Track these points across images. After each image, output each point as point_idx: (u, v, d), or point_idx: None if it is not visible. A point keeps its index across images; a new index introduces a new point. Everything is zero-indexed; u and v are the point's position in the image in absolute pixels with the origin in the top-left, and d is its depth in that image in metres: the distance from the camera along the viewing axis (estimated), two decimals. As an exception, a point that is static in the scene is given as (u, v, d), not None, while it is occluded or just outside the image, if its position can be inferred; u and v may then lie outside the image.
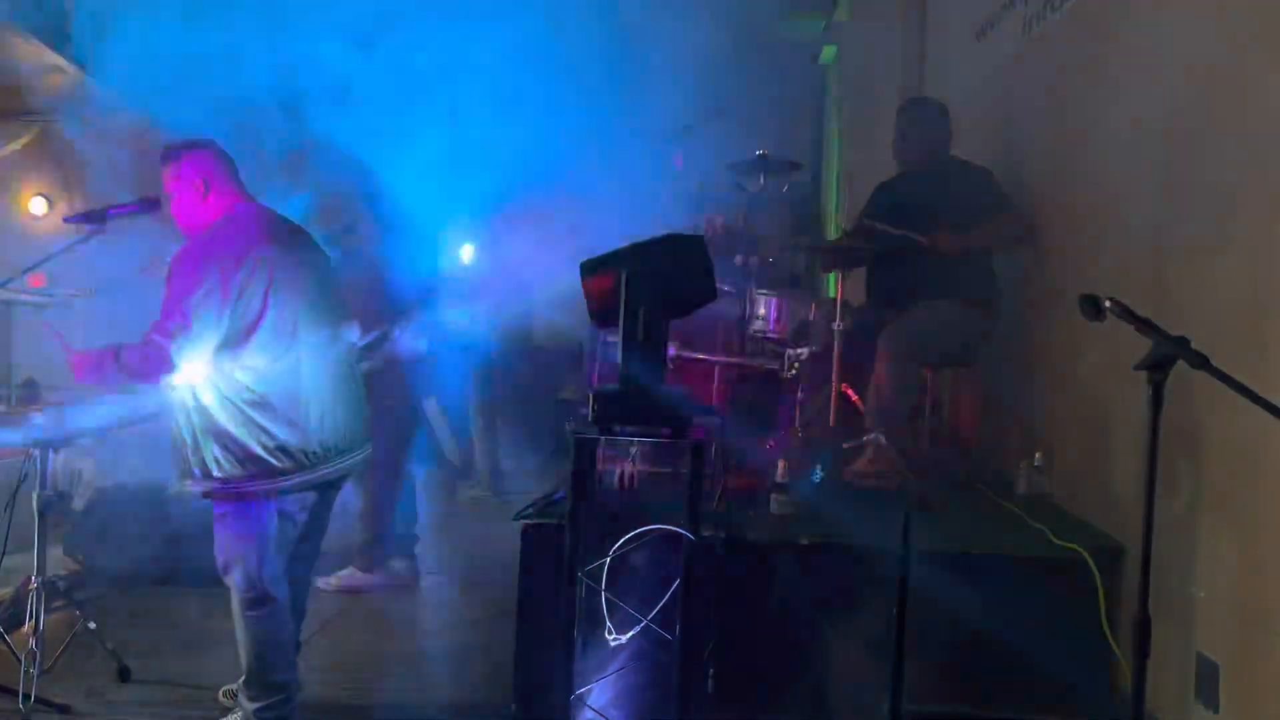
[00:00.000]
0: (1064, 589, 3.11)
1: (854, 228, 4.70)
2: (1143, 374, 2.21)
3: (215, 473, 2.95)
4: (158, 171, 3.15)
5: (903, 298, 4.26)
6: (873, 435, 4.00)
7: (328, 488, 3.19)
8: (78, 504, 4.95)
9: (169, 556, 4.39)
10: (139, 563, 4.36)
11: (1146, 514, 2.23)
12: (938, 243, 4.12)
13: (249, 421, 2.94)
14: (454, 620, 4.40)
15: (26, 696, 3.11)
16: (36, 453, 3.34)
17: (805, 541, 3.24)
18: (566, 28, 4.60)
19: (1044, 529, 3.34)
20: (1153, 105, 3.21)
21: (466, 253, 6.11)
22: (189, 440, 2.98)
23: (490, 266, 5.88)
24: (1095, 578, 3.06)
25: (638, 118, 5.14)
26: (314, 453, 3.02)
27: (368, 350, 4.10)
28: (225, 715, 3.22)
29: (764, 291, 4.44)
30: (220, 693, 3.34)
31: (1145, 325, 2.22)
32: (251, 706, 3.06)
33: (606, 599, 2.76)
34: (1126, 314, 2.24)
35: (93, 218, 3.25)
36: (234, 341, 2.93)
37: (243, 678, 3.09)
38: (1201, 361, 2.13)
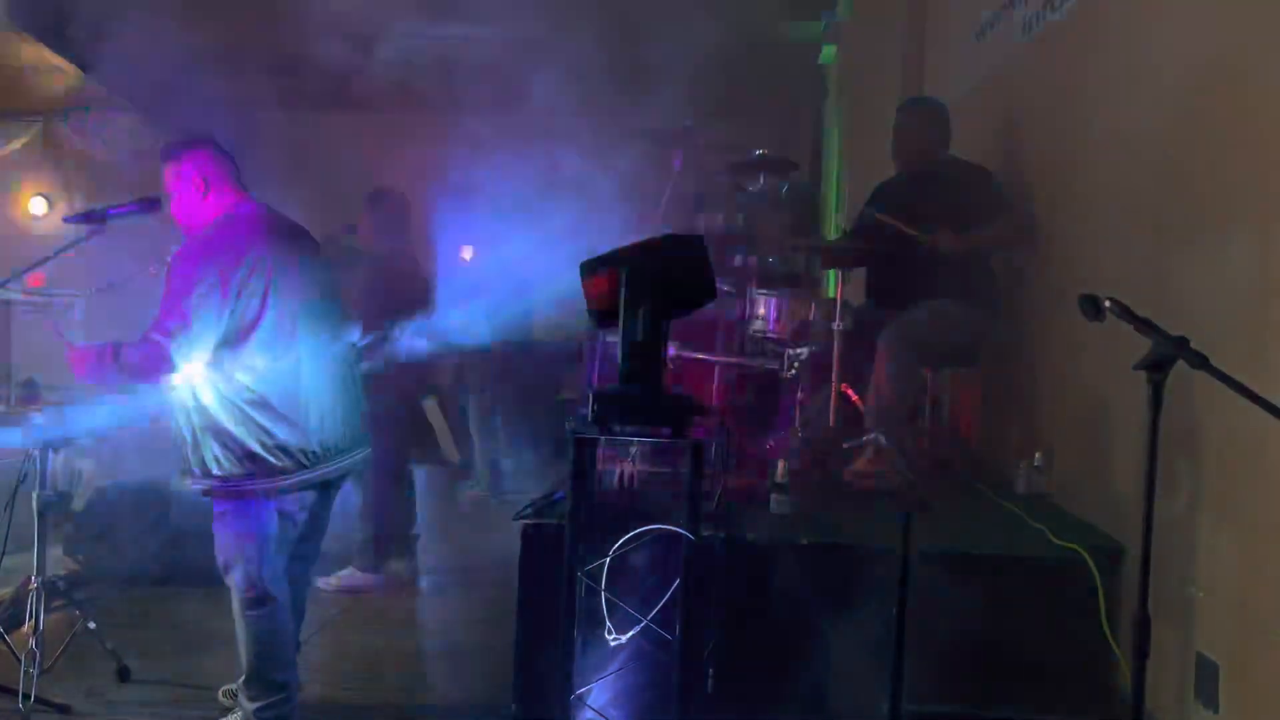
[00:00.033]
0: (1064, 589, 3.11)
1: (856, 224, 4.70)
2: (1142, 374, 2.21)
3: (214, 470, 2.95)
4: (158, 171, 3.15)
5: (903, 298, 4.26)
6: (873, 435, 4.00)
7: (327, 487, 3.19)
8: (78, 504, 4.95)
9: (169, 556, 4.39)
10: (139, 563, 4.36)
11: (1146, 514, 2.23)
12: (938, 242, 4.12)
13: (248, 420, 2.94)
14: (454, 620, 4.40)
15: (26, 696, 3.11)
16: (36, 453, 3.34)
17: (805, 541, 3.24)
18: (567, 27, 4.60)
19: (1044, 529, 3.33)
20: (1153, 105, 3.21)
21: (466, 253, 6.11)
22: (188, 438, 2.98)
23: (490, 266, 5.88)
24: (1095, 577, 3.06)
25: (638, 118, 5.13)
26: (313, 452, 3.02)
27: (368, 350, 4.10)
28: (225, 715, 3.22)
29: (764, 291, 4.44)
30: (220, 692, 3.34)
31: (1145, 325, 2.22)
32: (251, 706, 3.06)
33: (606, 599, 2.76)
34: (1126, 314, 2.24)
35: (93, 218, 3.25)
36: (233, 340, 2.93)
37: (243, 677, 3.09)
38: (1201, 361, 2.13)
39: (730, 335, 4.50)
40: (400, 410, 4.65)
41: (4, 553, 3.33)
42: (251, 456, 2.94)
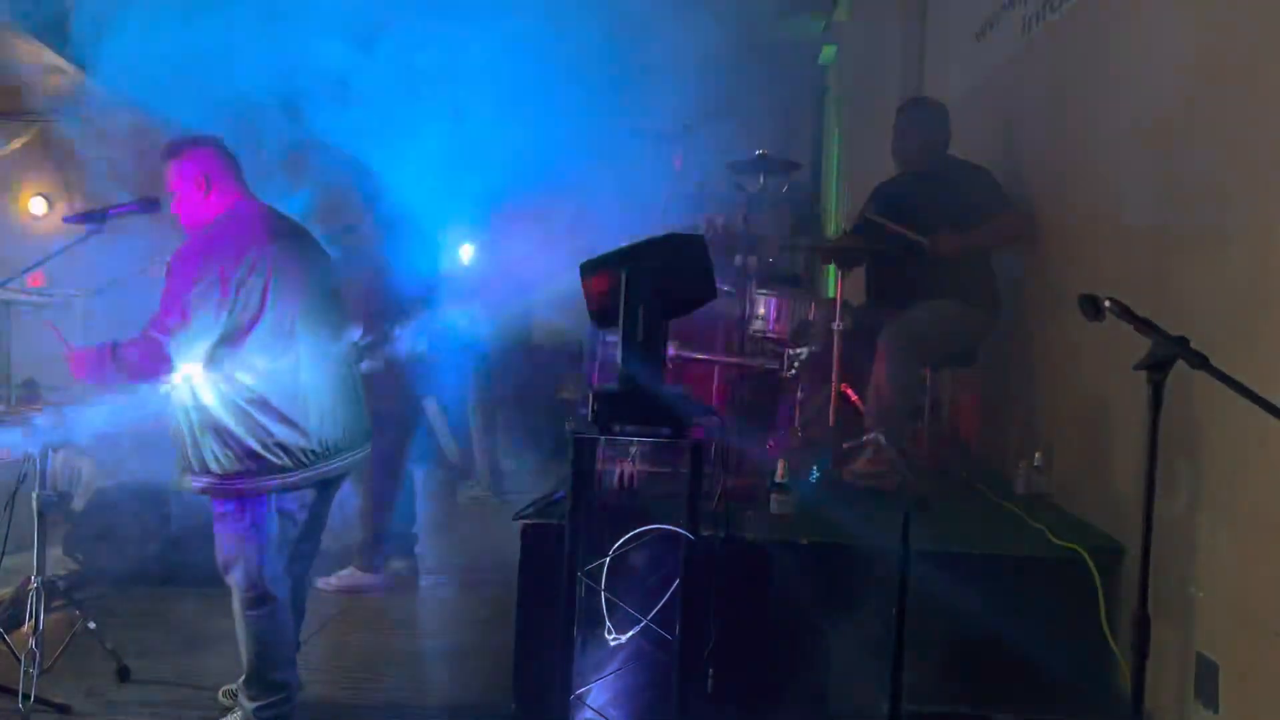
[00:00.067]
0: (1064, 589, 3.11)
1: (855, 226, 4.70)
2: (1142, 374, 2.21)
3: (213, 468, 2.95)
4: (158, 171, 3.15)
5: (903, 298, 4.26)
6: (873, 435, 4.00)
7: (327, 486, 3.20)
8: (78, 504, 4.95)
9: (169, 556, 4.39)
10: (139, 563, 4.36)
11: (1146, 514, 2.23)
12: (938, 245, 4.12)
13: (247, 418, 2.94)
14: (454, 620, 4.40)
15: (26, 696, 3.11)
16: (36, 453, 3.34)
17: (805, 541, 3.24)
18: (566, 27, 4.60)
19: (1043, 529, 3.34)
20: (1152, 104, 3.21)
21: (466, 253, 6.11)
22: (187, 436, 2.98)
23: (490, 266, 5.88)
24: (1095, 577, 3.06)
25: (638, 118, 5.13)
26: (313, 451, 3.02)
27: (368, 350, 4.11)
28: (225, 715, 3.22)
29: (764, 291, 4.44)
30: (220, 692, 3.34)
31: (1145, 325, 2.22)
32: (251, 706, 3.06)
33: (606, 599, 2.76)
34: (1126, 314, 2.25)
35: (92, 218, 3.25)
36: (233, 339, 2.93)
37: (243, 677, 3.09)
38: (1201, 361, 2.13)
39: (730, 335, 4.50)
40: (400, 410, 4.64)
41: (4, 553, 3.33)
42: (251, 455, 2.94)
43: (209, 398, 2.94)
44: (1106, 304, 2.27)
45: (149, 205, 3.25)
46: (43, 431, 3.23)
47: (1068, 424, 3.85)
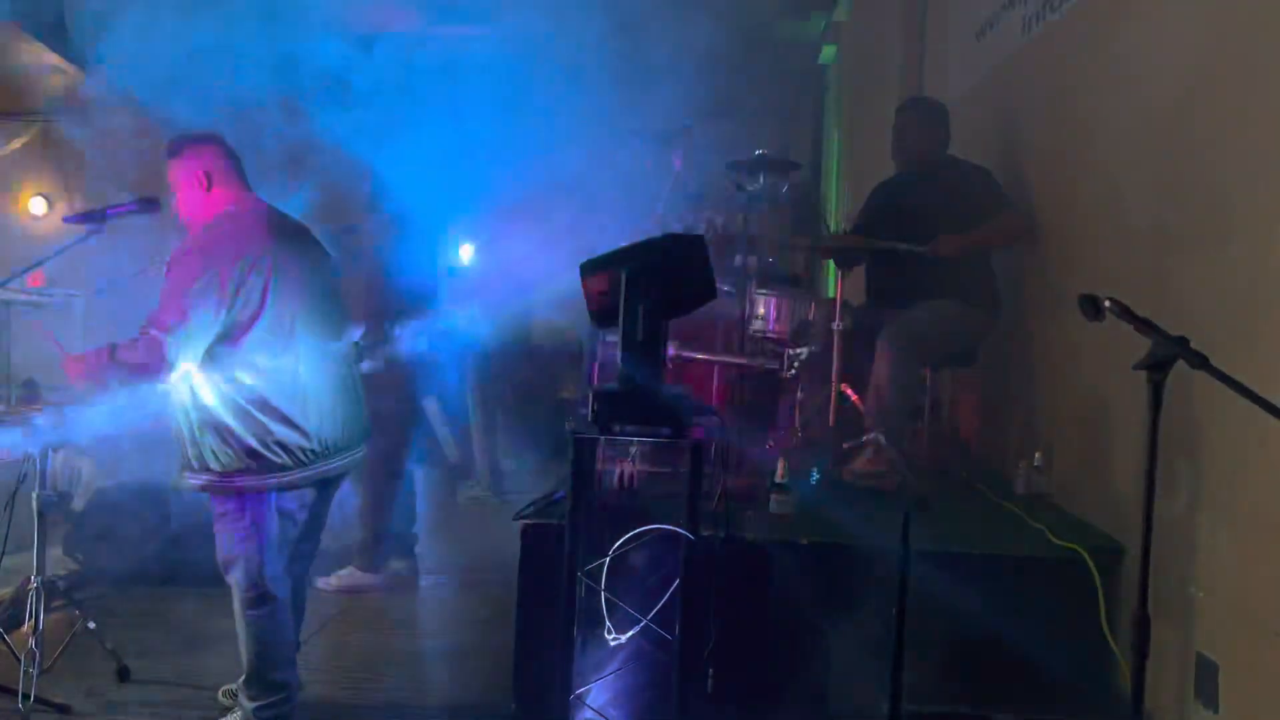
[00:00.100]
0: (1064, 589, 3.11)
1: (855, 225, 4.70)
2: (1142, 374, 2.21)
3: (212, 466, 2.95)
4: (158, 171, 3.15)
5: (903, 297, 4.26)
6: (873, 435, 4.00)
7: (326, 485, 3.20)
8: (78, 504, 4.95)
9: (169, 556, 4.39)
10: (139, 562, 4.36)
11: (1146, 514, 2.23)
12: (938, 249, 4.12)
13: (247, 416, 2.94)
14: (454, 620, 4.40)
15: (26, 696, 3.11)
16: (36, 453, 3.34)
17: (805, 541, 3.24)
18: (567, 27, 4.61)
19: (1043, 529, 3.34)
20: (1152, 104, 3.21)
21: (466, 253, 6.11)
22: (187, 434, 2.98)
23: (490, 266, 5.88)
24: (1095, 577, 3.06)
25: (638, 118, 5.13)
26: (312, 450, 3.02)
27: (368, 350, 4.10)
28: (225, 714, 3.22)
29: (764, 291, 4.44)
30: (220, 692, 3.34)
31: (1145, 325, 2.22)
32: (251, 705, 3.06)
33: (606, 599, 2.76)
34: (1126, 314, 2.25)
35: (92, 218, 3.25)
36: (232, 337, 2.93)
37: (243, 677, 3.09)
38: (1201, 361, 2.13)
39: (730, 335, 4.49)
40: (400, 410, 4.64)
41: (4, 552, 3.33)
42: (251, 453, 2.94)
43: (209, 396, 2.94)
44: (1106, 304, 2.27)
45: (148, 205, 3.25)
46: (43, 431, 3.22)
47: (1068, 424, 3.85)
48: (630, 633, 2.76)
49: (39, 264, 3.72)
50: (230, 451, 2.94)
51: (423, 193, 4.49)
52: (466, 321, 4.98)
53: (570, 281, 2.84)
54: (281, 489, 3.01)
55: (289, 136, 4.15)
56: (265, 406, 2.95)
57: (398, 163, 4.39)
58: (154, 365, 2.88)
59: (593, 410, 2.72)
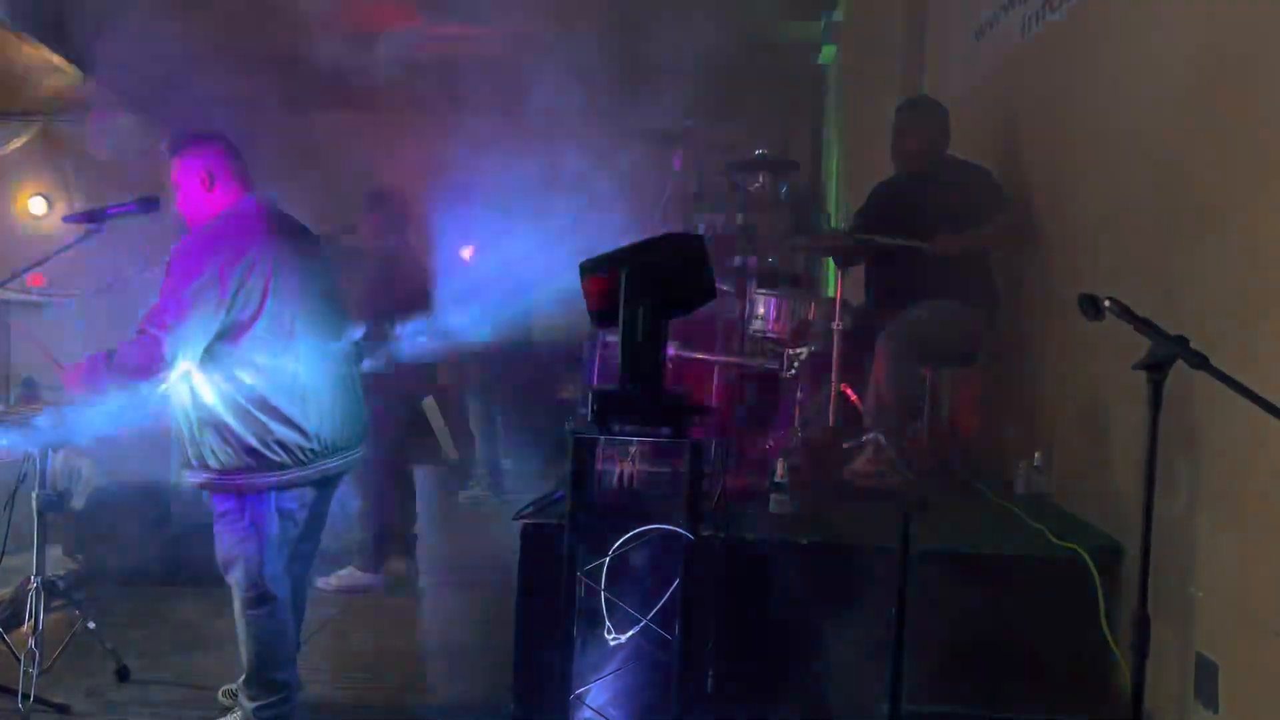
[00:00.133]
0: (1064, 589, 3.10)
1: (852, 227, 4.70)
2: (1142, 374, 2.21)
3: (212, 464, 2.95)
4: (158, 171, 3.15)
5: (902, 297, 4.26)
6: (872, 435, 4.00)
7: (326, 485, 3.20)
8: (77, 504, 4.95)
9: (169, 556, 4.39)
10: (139, 562, 4.36)
11: (1146, 514, 2.23)
12: (937, 247, 4.12)
13: (246, 415, 2.94)
14: (454, 620, 4.40)
15: (26, 696, 3.11)
16: (36, 453, 3.34)
17: (805, 541, 3.24)
18: (567, 27, 4.61)
19: (1043, 529, 3.33)
20: (1152, 105, 3.21)
21: (466, 253, 6.11)
22: (186, 433, 2.98)
23: (490, 266, 5.88)
24: (1094, 577, 3.06)
25: (638, 118, 5.14)
26: (312, 449, 3.02)
27: (368, 349, 4.10)
28: (225, 714, 3.22)
29: (764, 291, 4.44)
30: (220, 692, 3.34)
31: (1144, 325, 2.22)
32: (251, 705, 3.06)
33: (606, 599, 2.76)
34: (1126, 314, 2.25)
35: (92, 218, 3.25)
36: (232, 336, 2.93)
37: (243, 677, 3.09)
38: (1201, 361, 2.13)
39: (730, 335, 4.50)
40: (400, 410, 4.65)
41: (4, 552, 3.33)
42: (250, 451, 2.94)
43: (209, 395, 2.94)
44: (1106, 304, 2.27)
45: (148, 205, 3.25)
46: (43, 431, 3.23)
47: (1068, 424, 3.85)
48: (630, 633, 2.76)
49: (39, 264, 3.71)
50: (230, 450, 2.94)
51: (423, 193, 4.50)
52: (466, 321, 4.98)
53: (570, 281, 2.84)
54: (281, 488, 3.01)
55: (289, 136, 4.16)
56: (265, 405, 2.95)
57: (398, 163, 4.39)
58: (153, 365, 2.88)
59: (593, 410, 2.72)
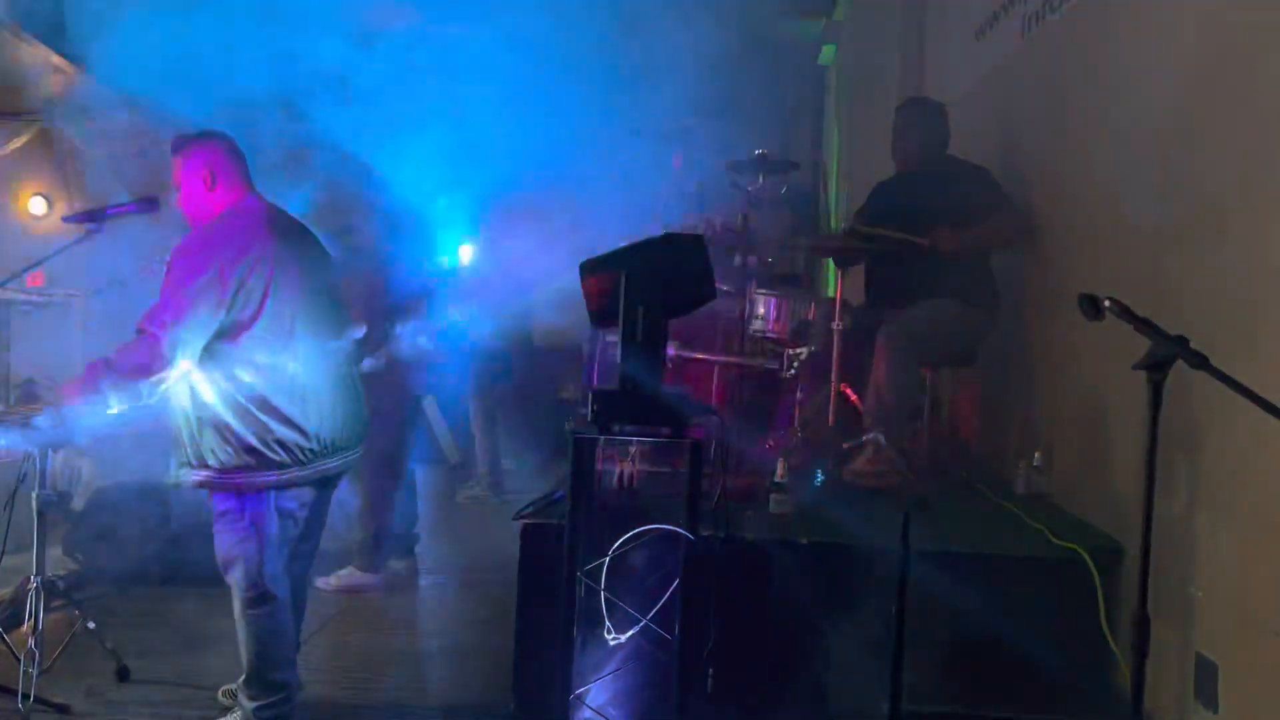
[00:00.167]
0: (1063, 589, 3.11)
1: (850, 227, 4.70)
2: (1142, 374, 2.21)
3: (211, 462, 2.95)
4: (157, 171, 3.15)
5: (902, 297, 4.26)
6: (872, 435, 4.00)
7: (325, 485, 3.20)
8: (77, 504, 4.95)
9: (169, 556, 4.39)
10: (139, 562, 4.36)
11: (1145, 514, 2.23)
12: (936, 241, 4.12)
13: (246, 414, 2.94)
14: (454, 620, 4.40)
15: (26, 696, 3.11)
16: (36, 453, 3.34)
17: (805, 541, 3.24)
18: (566, 26, 4.60)
19: (1043, 529, 3.34)
20: (1151, 104, 3.21)
21: (466, 252, 6.11)
22: (186, 431, 2.98)
23: (490, 265, 5.88)
24: (1094, 577, 3.06)
25: (638, 117, 5.14)
26: (311, 449, 3.02)
27: (369, 349, 4.10)
28: (225, 714, 3.22)
29: (764, 291, 4.44)
30: (220, 692, 3.34)
31: (1144, 325, 2.22)
32: (251, 705, 3.06)
33: (606, 599, 2.76)
34: (1125, 314, 2.25)
35: (92, 218, 3.25)
36: (232, 335, 2.93)
37: (243, 677, 3.09)
38: (1200, 361, 2.13)
39: (730, 335, 4.50)
40: (400, 410, 4.64)
41: (4, 552, 3.33)
42: (250, 450, 2.94)
43: (208, 394, 2.94)
44: (1106, 304, 2.27)
45: (147, 205, 3.25)
46: (43, 431, 3.22)
47: (1068, 424, 3.85)
48: (630, 633, 2.76)
49: (39, 264, 3.72)
50: (230, 449, 2.94)
51: (423, 192, 4.50)
52: (466, 321, 4.98)
53: (570, 281, 2.84)
54: (281, 488, 3.01)
55: (289, 135, 4.15)
56: (265, 405, 2.95)
57: (398, 161, 4.39)
58: (153, 364, 2.88)
59: (593, 410, 2.72)
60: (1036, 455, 3.91)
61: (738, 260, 4.57)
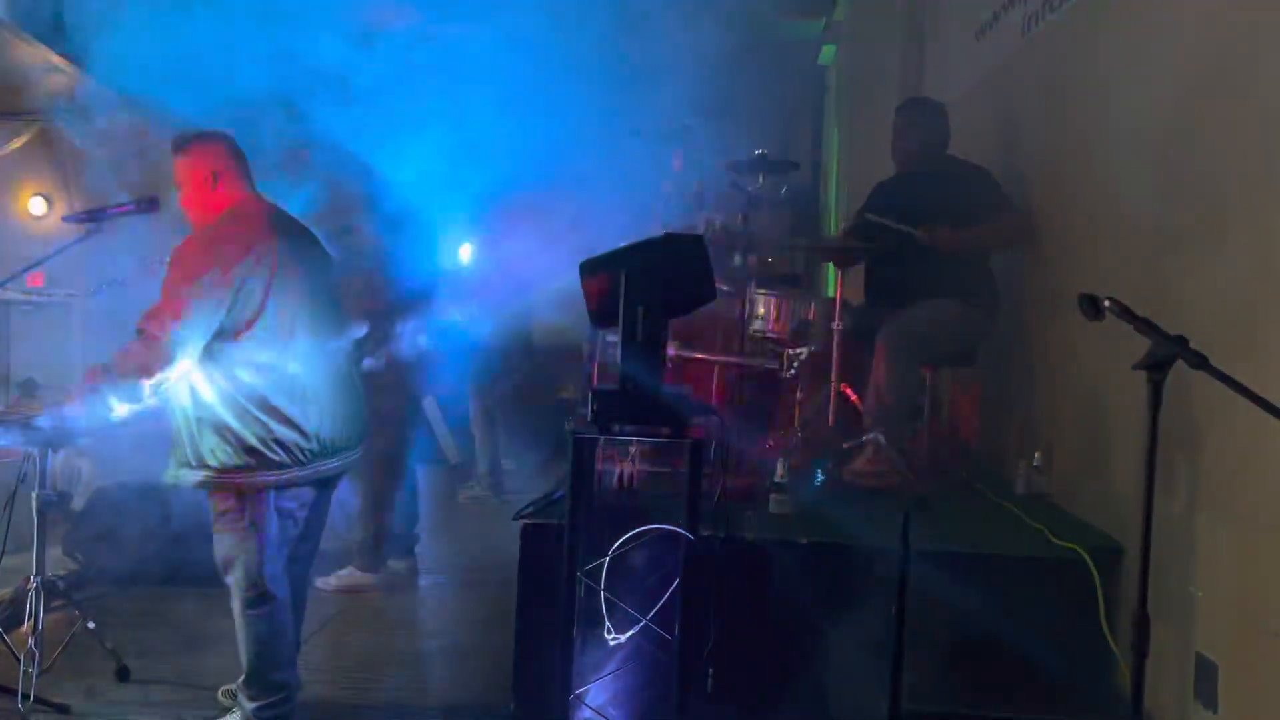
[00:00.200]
0: (1063, 589, 3.11)
1: (851, 225, 4.71)
2: (1142, 374, 2.21)
3: (210, 462, 2.95)
4: (157, 171, 3.15)
5: (902, 297, 4.26)
6: (872, 435, 4.00)
7: (325, 485, 3.20)
8: (77, 503, 4.95)
9: (169, 556, 4.38)
10: (139, 562, 4.35)
11: (1145, 514, 2.23)
12: (935, 237, 4.12)
13: (245, 414, 2.94)
14: (454, 620, 4.40)
15: (26, 696, 3.11)
16: (36, 453, 3.34)
17: (805, 541, 3.24)
18: (566, 26, 4.60)
19: (1043, 529, 3.34)
20: (1151, 104, 3.21)
21: (466, 252, 6.11)
22: (186, 432, 2.98)
23: (490, 265, 5.88)
24: (1094, 577, 3.06)
25: (638, 117, 5.14)
26: (311, 449, 3.02)
27: (369, 348, 4.10)
28: (225, 714, 3.22)
29: (764, 291, 4.44)
30: (220, 692, 3.33)
31: (1144, 325, 2.22)
32: (251, 706, 3.06)
33: (606, 599, 2.76)
34: (1125, 313, 2.25)
35: (92, 218, 3.25)
36: (232, 335, 2.93)
37: (242, 677, 3.09)
38: (1200, 361, 2.13)
39: (730, 335, 4.50)
40: (401, 410, 4.64)
41: (4, 552, 3.33)
42: (250, 450, 2.94)
43: (209, 394, 2.94)
44: (1106, 304, 2.27)
45: (147, 205, 3.25)
46: (43, 431, 3.23)
47: (1068, 424, 3.85)
48: (630, 633, 2.76)
49: (39, 264, 3.72)
50: (229, 449, 2.94)
51: (423, 192, 4.49)
52: (467, 321, 4.98)
53: (570, 281, 2.84)
54: (280, 488, 3.01)
55: (289, 135, 4.15)
56: (265, 405, 2.95)
57: (398, 162, 4.39)
58: (153, 364, 2.88)
59: (593, 410, 2.72)
60: (1036, 455, 3.91)
61: (738, 260, 4.57)
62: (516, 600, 3.23)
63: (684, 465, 2.79)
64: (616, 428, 2.75)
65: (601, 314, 2.80)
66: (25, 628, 3.27)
